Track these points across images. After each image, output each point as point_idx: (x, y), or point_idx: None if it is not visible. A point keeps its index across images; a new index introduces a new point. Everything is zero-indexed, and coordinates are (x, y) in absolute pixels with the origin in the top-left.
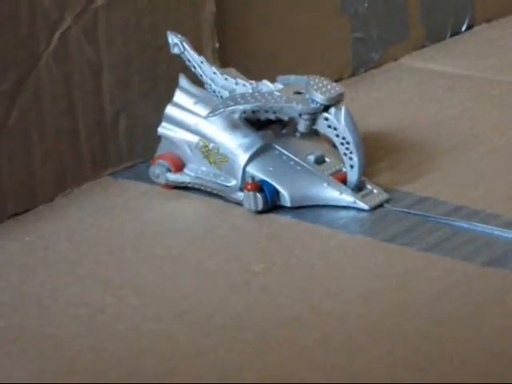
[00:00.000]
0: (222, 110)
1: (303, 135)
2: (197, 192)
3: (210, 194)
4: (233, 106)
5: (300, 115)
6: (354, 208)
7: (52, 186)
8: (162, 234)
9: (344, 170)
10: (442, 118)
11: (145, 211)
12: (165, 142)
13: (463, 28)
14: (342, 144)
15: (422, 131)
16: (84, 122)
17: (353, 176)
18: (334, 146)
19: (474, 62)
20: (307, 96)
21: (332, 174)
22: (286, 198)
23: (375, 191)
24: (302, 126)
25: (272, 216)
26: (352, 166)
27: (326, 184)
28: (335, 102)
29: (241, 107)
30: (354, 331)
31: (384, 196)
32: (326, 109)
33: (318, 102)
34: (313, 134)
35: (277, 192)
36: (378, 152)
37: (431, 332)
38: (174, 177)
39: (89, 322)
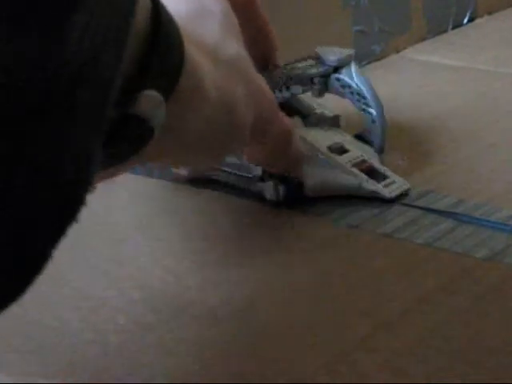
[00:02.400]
0: None
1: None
2: (199, 186)
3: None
4: None
5: (312, 81)
6: (355, 201)
7: None
8: (163, 226)
9: (366, 159)
10: (444, 110)
11: (149, 204)
12: None
13: (465, 20)
14: (359, 101)
15: (423, 124)
16: None
17: (376, 131)
18: (356, 136)
19: (476, 55)
20: (318, 61)
21: (354, 165)
22: (307, 188)
23: (397, 181)
24: (316, 91)
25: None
26: (374, 121)
27: (347, 174)
28: (345, 63)
29: None
30: (352, 324)
31: (406, 186)
32: (337, 70)
33: (327, 64)
34: (334, 124)
35: (298, 182)
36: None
37: (430, 325)
38: (192, 169)
39: (90, 315)
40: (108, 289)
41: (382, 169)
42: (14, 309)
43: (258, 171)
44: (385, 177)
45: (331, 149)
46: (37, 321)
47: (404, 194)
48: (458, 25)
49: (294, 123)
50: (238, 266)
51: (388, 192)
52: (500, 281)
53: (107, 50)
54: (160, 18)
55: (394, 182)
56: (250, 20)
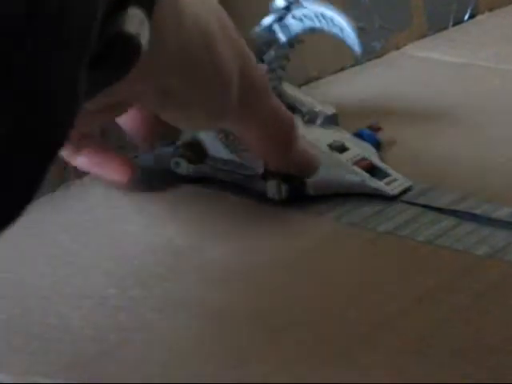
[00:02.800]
0: None
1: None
2: (201, 184)
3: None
4: None
5: (271, 29)
6: (356, 199)
7: (53, 178)
8: (164, 224)
9: (366, 156)
10: (444, 107)
11: (150, 202)
12: (186, 132)
13: (466, 17)
14: (321, 21)
15: (424, 121)
16: None
17: (349, 36)
18: (355, 134)
19: (476, 51)
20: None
21: (355, 163)
22: (309, 186)
23: (398, 178)
24: (282, 35)
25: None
26: (342, 29)
27: (348, 172)
28: (294, 0)
29: None
30: (351, 321)
31: (407, 183)
32: (289, 10)
33: (279, 8)
34: (333, 122)
35: (300, 181)
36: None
37: (431, 323)
38: (194, 167)
39: (91, 314)
40: (108, 287)
41: (383, 166)
42: (15, 308)
43: (260, 169)
44: (386, 174)
45: (332, 147)
46: (37, 319)
47: (406, 191)
48: (458, 21)
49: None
50: (239, 265)
51: (390, 189)
52: (501, 278)
53: None
54: None
55: (395, 180)
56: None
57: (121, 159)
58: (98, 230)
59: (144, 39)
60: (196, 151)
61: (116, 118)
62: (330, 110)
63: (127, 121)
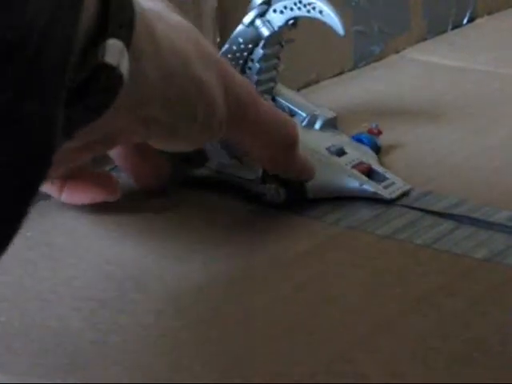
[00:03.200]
0: None
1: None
2: (200, 188)
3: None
4: None
5: (254, 24)
6: (354, 202)
7: None
8: (164, 228)
9: (364, 160)
10: (443, 110)
11: (150, 205)
12: None
13: (465, 20)
14: (300, 9)
15: (423, 124)
16: None
17: (331, 19)
18: (354, 138)
19: (476, 55)
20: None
21: (353, 166)
22: (307, 190)
23: (397, 182)
24: (265, 30)
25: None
26: (321, 12)
27: (346, 175)
28: None
29: None
30: (351, 324)
31: (406, 187)
32: (269, 4)
33: (259, 3)
34: (332, 125)
35: (299, 184)
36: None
37: (429, 326)
38: (194, 171)
39: (91, 316)
40: (108, 290)
41: (382, 170)
42: (15, 310)
43: (259, 173)
44: (384, 178)
45: (330, 150)
46: (37, 321)
47: (404, 195)
48: (457, 25)
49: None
50: (238, 268)
51: (388, 193)
52: (499, 282)
53: (66, 7)
54: None
55: (393, 183)
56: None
57: (103, 181)
58: (98, 233)
59: (125, 69)
60: (197, 155)
61: (105, 152)
62: (329, 114)
63: (120, 160)
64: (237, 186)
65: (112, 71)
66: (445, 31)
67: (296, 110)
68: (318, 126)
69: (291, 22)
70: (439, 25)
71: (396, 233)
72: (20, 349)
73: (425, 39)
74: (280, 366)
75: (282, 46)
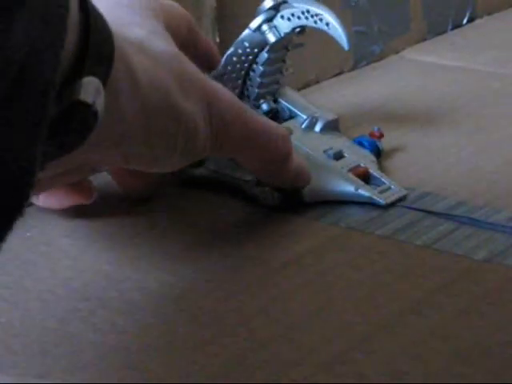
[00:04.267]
0: None
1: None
2: (198, 189)
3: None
4: None
5: (260, 29)
6: (354, 203)
7: None
8: (162, 229)
9: (362, 164)
10: (443, 111)
11: (148, 207)
12: None
13: (465, 21)
14: (307, 18)
15: (422, 125)
16: None
17: (337, 32)
18: (355, 141)
19: (475, 55)
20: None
21: (350, 170)
22: (302, 193)
23: (393, 187)
24: (272, 36)
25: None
26: (328, 24)
27: (342, 179)
28: (282, 1)
29: None
30: (351, 324)
31: (402, 192)
32: (278, 10)
33: (267, 8)
34: (334, 127)
35: (294, 188)
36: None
37: (429, 326)
38: (192, 171)
39: (90, 317)
40: (108, 290)
41: (379, 174)
42: (14, 311)
43: (255, 175)
44: (381, 182)
45: (327, 154)
46: (37, 322)
47: (400, 200)
48: (457, 25)
49: (289, 131)
50: (236, 269)
51: (384, 198)
52: (499, 282)
53: (47, 42)
54: (88, 11)
55: (390, 188)
56: (196, 44)
57: (78, 184)
58: (97, 233)
59: (100, 106)
60: None
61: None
62: (330, 116)
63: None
64: (234, 186)
65: (87, 109)
66: (444, 31)
67: (296, 111)
68: (318, 128)
69: (298, 29)
70: (439, 25)
71: (396, 233)
72: (19, 349)
73: (424, 39)
74: (280, 366)
75: (288, 50)
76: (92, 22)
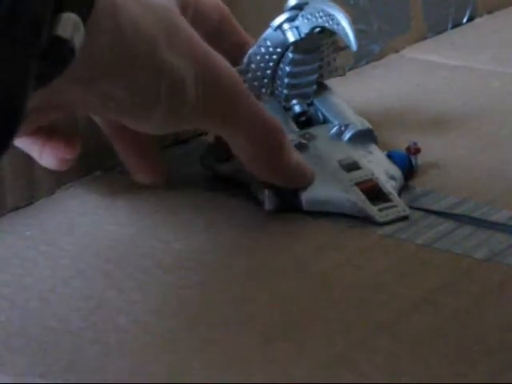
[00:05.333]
0: None
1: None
2: (200, 187)
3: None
4: None
5: (281, 27)
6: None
7: (53, 180)
8: (163, 227)
9: (373, 178)
10: (443, 109)
11: (146, 205)
12: None
13: (464, 19)
14: (322, 18)
15: (423, 123)
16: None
17: (346, 34)
18: (387, 155)
19: (475, 54)
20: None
21: (358, 183)
22: (301, 200)
23: (398, 206)
24: (291, 35)
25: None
26: (338, 24)
27: (343, 191)
28: (305, 1)
29: None
30: (351, 324)
31: (405, 213)
32: (302, 10)
33: (290, 6)
34: (368, 137)
35: (293, 193)
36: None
37: (430, 326)
38: (218, 166)
39: (90, 315)
40: (108, 289)
41: (387, 191)
42: (14, 310)
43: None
44: (386, 200)
45: (341, 163)
46: (36, 321)
47: (400, 220)
48: (457, 24)
49: (309, 137)
50: (237, 268)
51: (381, 216)
52: (500, 281)
53: None
54: None
55: (393, 207)
56: (227, 35)
57: (68, 139)
58: (97, 233)
59: (77, 43)
60: (223, 149)
61: (61, 116)
62: (362, 125)
63: (122, 155)
64: (249, 187)
65: (64, 44)
66: (445, 30)
67: (329, 117)
68: (347, 136)
69: (318, 30)
70: (439, 24)
71: (396, 232)
72: (20, 348)
73: (425, 38)
74: (279, 366)
75: (322, 51)
76: None
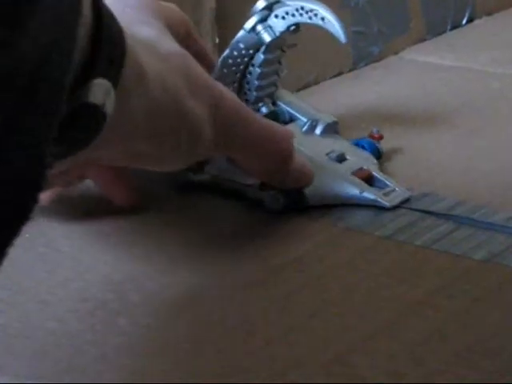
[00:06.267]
0: None
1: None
2: (199, 192)
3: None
4: None
5: (255, 29)
6: (355, 204)
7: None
8: (162, 231)
9: (365, 167)
10: (442, 111)
11: (148, 209)
12: None
13: (464, 21)
14: (302, 15)
15: (422, 125)
16: None
17: (333, 26)
18: (355, 143)
19: (474, 55)
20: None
21: (353, 173)
22: (306, 196)
23: (397, 189)
24: (267, 35)
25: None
26: (323, 19)
27: (346, 183)
28: (275, 1)
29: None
30: (350, 325)
31: (406, 194)
32: (271, 10)
33: (260, 9)
34: (333, 130)
35: (297, 191)
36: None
37: (429, 327)
38: (193, 175)
39: (89, 318)
40: (107, 291)
41: (383, 177)
42: (14, 312)
43: (256, 180)
44: (385, 185)
45: (330, 157)
46: (36, 323)
47: (404, 202)
48: (456, 26)
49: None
50: (237, 270)
51: (389, 200)
52: (499, 283)
53: (59, 47)
54: (101, 10)
55: (394, 190)
56: (189, 47)
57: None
58: (96, 235)
59: (109, 108)
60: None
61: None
62: (330, 119)
63: (92, 176)
64: (234, 191)
65: (96, 111)
66: (444, 32)
67: (297, 114)
68: (318, 131)
69: (293, 27)
70: (438, 25)
71: (395, 234)
72: (19, 350)
73: (424, 40)
74: (279, 367)
75: (284, 51)
76: (104, 22)
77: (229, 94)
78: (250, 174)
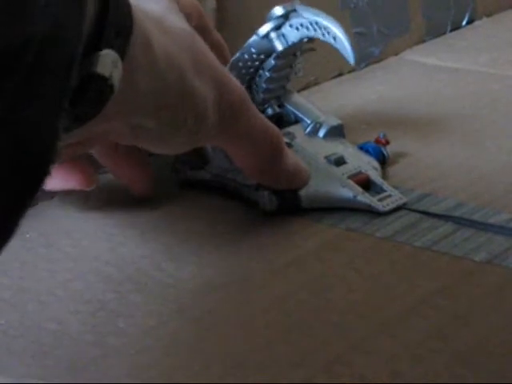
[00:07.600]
0: None
1: (284, 59)
2: (199, 192)
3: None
4: None
5: (268, 36)
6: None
7: None
8: (162, 230)
9: (363, 170)
10: (442, 112)
11: (149, 208)
12: None
13: (464, 22)
14: (315, 30)
15: (422, 126)
16: None
17: (343, 46)
18: (360, 147)
19: (474, 56)
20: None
21: (350, 177)
22: (300, 198)
23: (393, 195)
24: (279, 44)
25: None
26: (335, 38)
27: (341, 186)
28: (292, 9)
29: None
30: (350, 326)
31: (402, 200)
32: (287, 19)
33: (277, 16)
34: (338, 133)
35: (292, 192)
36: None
37: (429, 328)
38: (193, 173)
39: (90, 319)
40: (107, 292)
41: (380, 181)
42: (14, 313)
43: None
44: (381, 190)
45: (329, 159)
46: (36, 323)
47: (399, 208)
48: (456, 27)
49: (291, 136)
50: (236, 270)
51: (382, 206)
52: (499, 284)
53: (69, 14)
54: None
55: (390, 196)
56: (205, 34)
57: (78, 169)
58: (97, 235)
59: (116, 80)
60: (196, 158)
61: (86, 151)
62: (334, 121)
63: (107, 163)
64: (234, 191)
65: (103, 82)
66: (444, 33)
67: (301, 116)
68: (321, 133)
69: (306, 39)
70: (438, 26)
71: (395, 235)
72: (19, 351)
73: (424, 41)
74: (279, 367)
75: (296, 56)
76: None
77: (236, 83)
78: (243, 171)
